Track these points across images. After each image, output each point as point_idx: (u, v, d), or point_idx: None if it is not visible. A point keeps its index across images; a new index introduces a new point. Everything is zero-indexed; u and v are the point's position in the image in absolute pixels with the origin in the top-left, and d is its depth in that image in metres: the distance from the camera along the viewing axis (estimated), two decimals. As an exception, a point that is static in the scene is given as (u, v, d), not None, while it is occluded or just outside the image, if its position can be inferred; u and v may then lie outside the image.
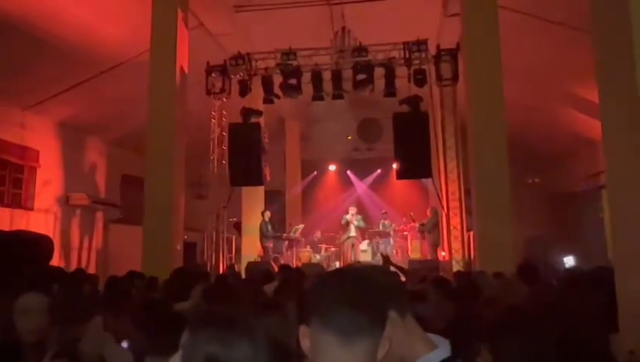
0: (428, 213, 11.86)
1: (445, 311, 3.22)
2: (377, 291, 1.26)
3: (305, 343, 1.22)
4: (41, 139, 11.62)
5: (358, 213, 13.74)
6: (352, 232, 13.23)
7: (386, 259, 7.06)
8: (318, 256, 13.77)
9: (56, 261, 10.13)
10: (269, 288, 4.02)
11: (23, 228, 10.07)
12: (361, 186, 17.18)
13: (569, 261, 11.87)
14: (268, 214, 12.70)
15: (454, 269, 9.87)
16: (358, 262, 11.92)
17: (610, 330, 2.61)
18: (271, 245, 12.62)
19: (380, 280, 1.34)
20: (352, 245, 13.24)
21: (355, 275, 1.28)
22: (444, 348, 1.42)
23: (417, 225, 12.25)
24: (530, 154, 14.23)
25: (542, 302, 2.47)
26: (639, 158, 3.32)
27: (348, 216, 13.35)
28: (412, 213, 13.05)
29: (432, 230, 11.39)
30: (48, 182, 11.84)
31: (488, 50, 8.40)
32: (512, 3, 8.84)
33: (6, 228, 9.71)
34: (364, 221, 13.51)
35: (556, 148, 14.64)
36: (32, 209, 11.38)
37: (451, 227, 10.75)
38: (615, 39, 3.42)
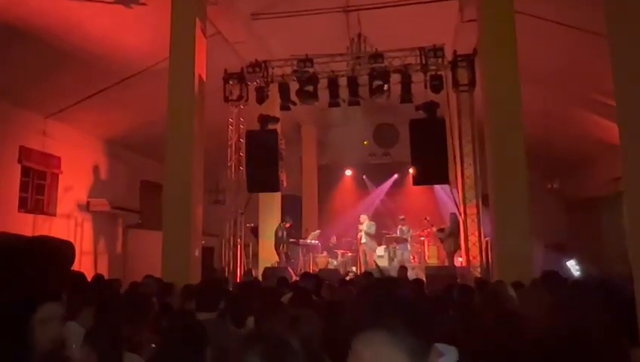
0: (447, 220, 11.80)
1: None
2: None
3: None
4: (63, 146, 11.84)
5: (371, 219, 13.76)
6: (364, 239, 13.24)
7: (404, 269, 7.09)
8: (335, 262, 13.78)
9: (76, 266, 10.30)
10: (285, 299, 4.05)
11: (45, 233, 10.26)
12: (377, 192, 17.13)
13: (572, 265, 11.68)
14: (286, 224, 12.78)
15: (472, 276, 9.81)
16: (377, 266, 11.90)
17: (630, 344, 2.57)
18: (286, 250, 12.69)
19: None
20: (365, 252, 13.23)
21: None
22: (452, 356, 1.45)
23: (435, 230, 12.19)
24: (549, 160, 14.07)
25: (562, 317, 2.45)
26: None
27: (360, 226, 13.42)
28: (428, 218, 13.00)
29: (449, 236, 11.32)
30: (70, 188, 12.05)
31: (505, 56, 8.35)
32: (529, 8, 8.78)
33: (29, 234, 9.91)
34: (374, 226, 13.49)
35: (576, 153, 14.45)
36: (54, 215, 11.59)
37: (469, 233, 10.68)
38: (631, 44, 3.39)
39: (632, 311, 2.88)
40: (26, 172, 10.96)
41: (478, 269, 10.29)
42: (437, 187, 14.63)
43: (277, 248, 12.47)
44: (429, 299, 4.36)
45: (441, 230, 11.90)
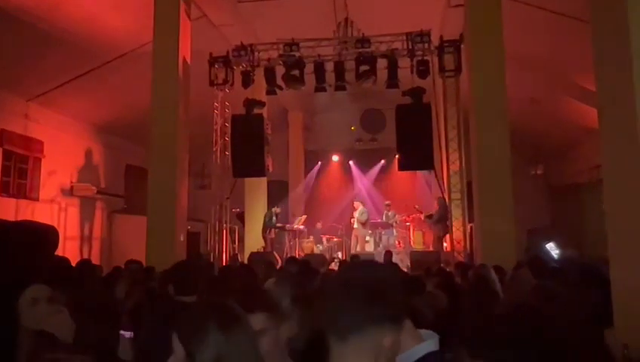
0: (435, 204, 11.84)
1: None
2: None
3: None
4: (46, 130, 11.66)
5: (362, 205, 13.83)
6: (356, 225, 13.31)
7: (389, 254, 7.17)
8: (320, 247, 13.84)
9: (60, 251, 10.22)
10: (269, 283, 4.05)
11: (28, 218, 10.14)
12: (363, 178, 17.15)
13: (551, 248, 11.83)
14: (277, 209, 12.79)
15: (455, 260, 9.92)
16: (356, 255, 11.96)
17: (604, 325, 2.64)
18: (273, 236, 12.72)
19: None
20: (357, 237, 13.30)
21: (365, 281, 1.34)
22: (432, 342, 1.46)
23: (423, 216, 12.25)
24: (533, 146, 14.21)
25: (543, 299, 2.50)
26: (636, 152, 3.33)
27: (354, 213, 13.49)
28: (417, 206, 13.07)
29: (438, 222, 11.36)
30: (53, 172, 11.90)
31: (491, 41, 8.38)
32: (515, -6, 8.79)
33: (11, 219, 9.79)
34: (366, 214, 13.56)
35: (559, 140, 14.59)
36: (37, 199, 11.45)
37: (453, 218, 10.77)
38: (613, 33, 3.42)
39: (608, 292, 2.95)
40: (7, 155, 10.79)
41: (462, 254, 10.41)
42: (419, 174, 14.77)
43: (264, 233, 12.49)
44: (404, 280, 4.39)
45: (429, 216, 11.96)
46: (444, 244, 11.40)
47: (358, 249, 12.97)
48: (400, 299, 1.38)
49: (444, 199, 11.24)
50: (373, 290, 1.29)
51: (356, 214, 13.42)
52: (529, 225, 13.05)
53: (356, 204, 13.71)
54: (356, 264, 1.46)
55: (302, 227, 13.69)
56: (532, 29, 9.80)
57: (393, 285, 1.39)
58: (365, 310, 1.25)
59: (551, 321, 1.95)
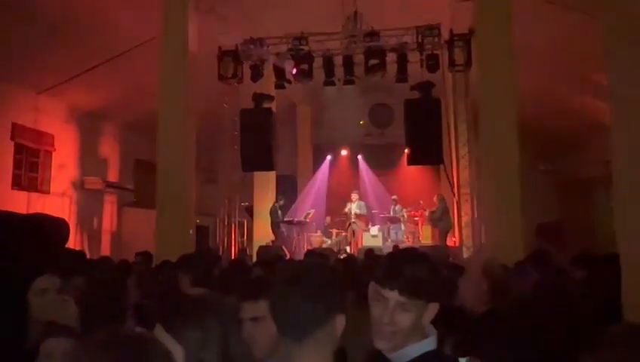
0: (435, 201, 11.81)
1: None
2: None
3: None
4: (56, 124, 11.75)
5: (361, 198, 13.76)
6: (352, 218, 13.27)
7: (396, 248, 7.14)
8: (329, 241, 13.84)
9: (71, 244, 10.34)
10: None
11: (39, 211, 10.26)
12: (370, 172, 17.08)
13: None
14: (280, 202, 12.81)
15: (464, 256, 9.91)
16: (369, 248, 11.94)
17: (614, 321, 2.62)
18: (281, 230, 12.75)
19: None
20: (354, 231, 13.25)
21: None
22: (431, 341, 1.45)
23: (427, 212, 12.24)
24: (542, 141, 14.08)
25: (544, 296, 2.49)
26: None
27: (350, 204, 13.40)
28: (422, 202, 13.05)
29: (441, 217, 11.37)
30: (63, 166, 12.01)
31: (501, 36, 8.30)
32: (526, -13, 8.69)
33: (23, 211, 9.91)
34: (365, 207, 13.49)
35: (569, 135, 14.46)
36: (48, 192, 11.56)
37: (462, 213, 10.73)
38: (625, 28, 3.38)
39: (617, 288, 2.94)
40: (19, 149, 10.90)
41: (471, 249, 10.37)
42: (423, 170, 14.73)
43: (274, 227, 12.53)
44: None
45: (433, 212, 11.95)
46: (453, 239, 11.39)
47: (357, 245, 12.92)
48: (338, 284, 1.39)
49: (443, 195, 11.25)
50: (316, 287, 1.29)
51: (354, 207, 13.31)
52: (538, 221, 12.97)
53: (354, 196, 13.59)
54: (294, 265, 1.50)
55: (309, 221, 13.70)
56: (543, 23, 9.69)
57: (329, 273, 1.41)
58: (315, 311, 1.27)
59: (549, 319, 1.95)
